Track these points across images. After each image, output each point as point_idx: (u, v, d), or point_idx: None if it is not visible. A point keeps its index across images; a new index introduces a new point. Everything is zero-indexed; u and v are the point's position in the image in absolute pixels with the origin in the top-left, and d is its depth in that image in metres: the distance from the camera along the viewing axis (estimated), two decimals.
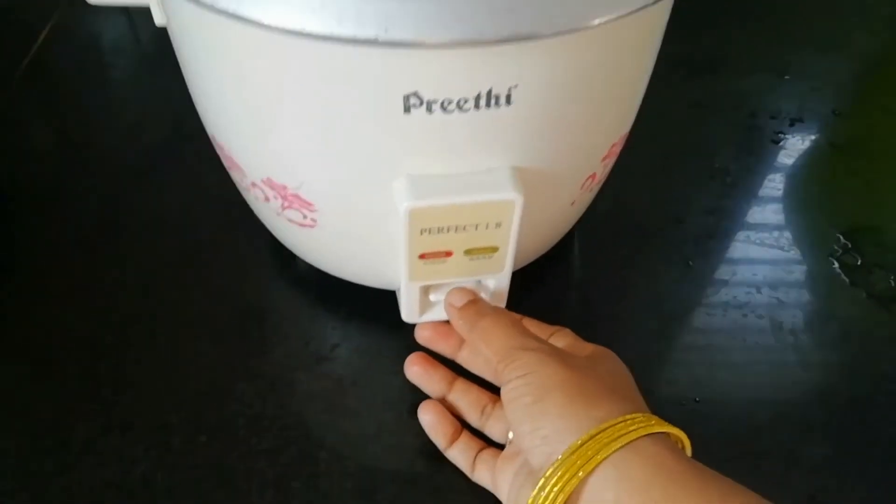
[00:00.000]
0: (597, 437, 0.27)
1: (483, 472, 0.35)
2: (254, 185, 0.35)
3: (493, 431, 0.37)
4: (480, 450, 0.36)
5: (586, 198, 0.38)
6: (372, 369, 0.40)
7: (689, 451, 0.31)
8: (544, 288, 0.43)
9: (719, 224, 0.48)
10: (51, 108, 0.55)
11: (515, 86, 0.27)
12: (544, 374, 0.30)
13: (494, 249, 0.33)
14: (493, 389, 0.38)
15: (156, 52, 0.59)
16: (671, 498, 0.26)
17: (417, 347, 0.39)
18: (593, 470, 0.27)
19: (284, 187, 0.33)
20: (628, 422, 0.28)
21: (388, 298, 0.40)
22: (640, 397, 0.32)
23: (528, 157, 0.31)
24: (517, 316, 0.35)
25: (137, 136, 0.52)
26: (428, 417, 0.37)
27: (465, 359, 0.38)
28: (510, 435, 0.36)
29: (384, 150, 0.29)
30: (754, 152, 0.53)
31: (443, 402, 0.38)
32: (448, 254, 0.33)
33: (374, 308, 0.42)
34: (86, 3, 0.36)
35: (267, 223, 0.40)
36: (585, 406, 0.29)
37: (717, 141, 0.53)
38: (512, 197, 0.30)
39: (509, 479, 0.33)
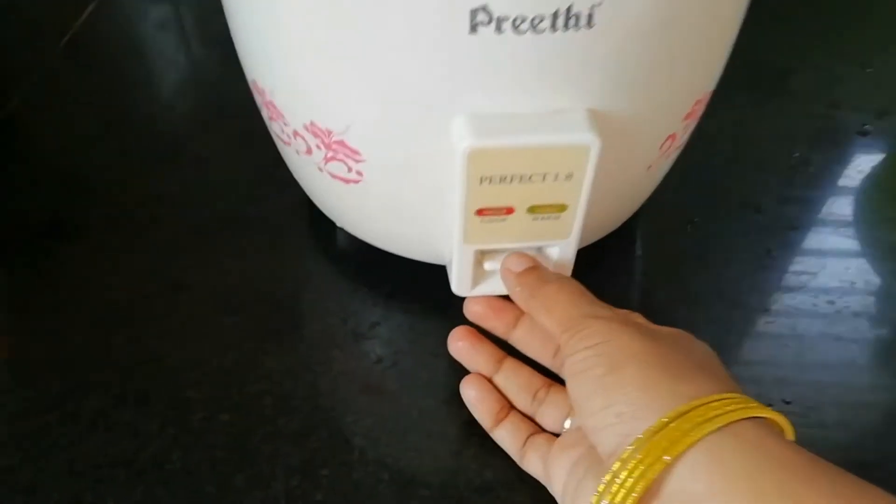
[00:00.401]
0: (686, 415, 0.23)
1: (534, 460, 0.31)
2: (296, 134, 0.31)
3: (546, 419, 0.32)
4: (532, 434, 0.31)
5: (662, 166, 0.34)
6: (414, 350, 0.36)
7: None
8: (605, 275, 0.39)
9: (803, 215, 0.43)
10: (91, 82, 0.53)
11: (599, 4, 0.24)
12: (619, 342, 0.26)
13: (562, 208, 0.29)
14: (548, 375, 0.33)
15: (199, 33, 0.57)
16: (786, 491, 0.21)
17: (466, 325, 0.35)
18: (681, 454, 0.22)
19: (329, 133, 0.30)
20: (725, 401, 0.23)
21: (434, 275, 0.36)
22: (733, 379, 0.27)
23: (606, 99, 0.27)
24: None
25: (175, 110, 0.50)
26: (472, 392, 0.33)
27: (519, 339, 0.34)
28: (566, 423, 0.31)
29: (443, 81, 0.26)
30: (838, 143, 0.48)
31: (497, 391, 0.33)
32: (509, 210, 0.29)
33: (420, 285, 0.38)
34: None
35: (307, 186, 0.37)
36: (671, 380, 0.25)
37: (797, 130, 0.49)
38: (588, 140, 0.26)
39: (566, 471, 0.29)
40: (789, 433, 0.25)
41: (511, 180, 0.27)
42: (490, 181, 0.27)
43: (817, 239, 0.42)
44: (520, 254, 0.31)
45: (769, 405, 0.34)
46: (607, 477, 0.23)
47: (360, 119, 0.28)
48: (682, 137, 0.33)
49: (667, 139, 0.31)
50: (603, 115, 0.27)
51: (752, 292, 0.39)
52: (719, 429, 0.23)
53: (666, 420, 0.23)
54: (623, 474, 0.23)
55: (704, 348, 0.28)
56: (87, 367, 0.35)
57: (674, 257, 0.41)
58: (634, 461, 0.23)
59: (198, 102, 0.50)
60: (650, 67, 0.27)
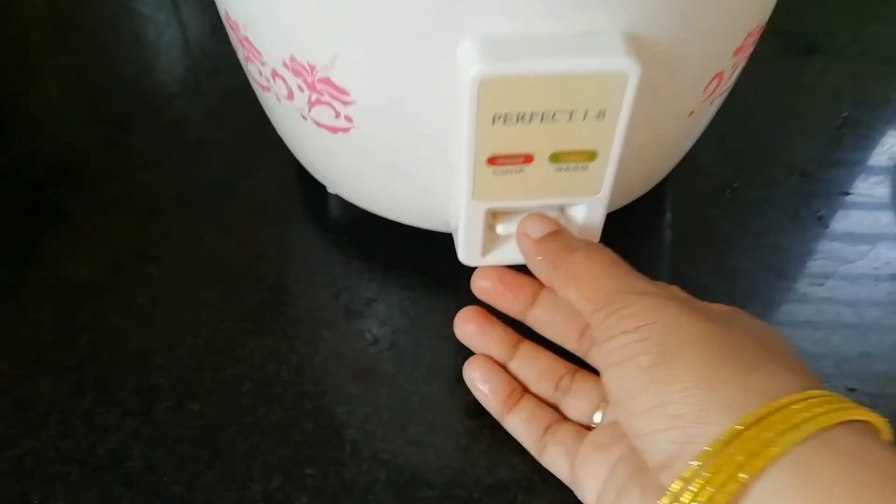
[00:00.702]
0: (766, 420, 0.18)
1: (556, 456, 0.26)
2: (275, 74, 0.27)
3: (572, 411, 0.28)
4: (553, 423, 0.27)
5: (704, 114, 0.29)
6: (415, 330, 0.31)
7: None
8: (630, 247, 0.34)
9: (855, 178, 0.38)
10: (65, 44, 0.48)
11: None
12: (669, 323, 0.21)
13: (591, 156, 0.24)
14: (573, 359, 0.29)
15: None
16: None
17: (475, 304, 0.30)
18: (762, 471, 0.18)
19: (312, 69, 0.25)
20: (812, 400, 0.19)
21: (439, 244, 0.31)
22: (806, 369, 0.22)
23: (648, 19, 0.22)
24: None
25: (153, 72, 0.45)
26: (476, 374, 0.28)
27: (538, 319, 0.29)
28: (596, 416, 0.27)
29: None
30: (890, 102, 0.43)
31: (506, 373, 0.29)
32: (527, 159, 0.24)
33: (422, 256, 0.33)
34: None
35: (292, 141, 0.32)
36: (739, 372, 0.20)
37: (844, 89, 0.43)
38: (625, 67, 0.21)
39: (600, 477, 0.24)
40: (886, 435, 0.20)
41: (530, 119, 0.23)
42: (504, 120, 0.22)
43: (873, 204, 0.37)
44: (540, 215, 0.26)
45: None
46: (665, 501, 0.18)
47: (346, 48, 0.23)
48: (728, 80, 0.28)
49: (713, 78, 0.26)
50: (642, 39, 0.22)
51: (801, 264, 0.34)
52: (809, 437, 0.18)
53: (740, 427, 0.18)
54: (686, 497, 0.18)
55: (768, 329, 0.23)
56: (41, 349, 0.31)
57: (710, 226, 0.36)
58: (701, 481, 0.18)
59: (177, 64, 0.46)
60: None
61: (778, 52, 0.44)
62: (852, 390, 0.30)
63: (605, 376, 0.22)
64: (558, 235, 0.25)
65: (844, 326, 0.32)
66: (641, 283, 0.23)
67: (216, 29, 0.30)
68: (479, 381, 0.28)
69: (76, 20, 0.49)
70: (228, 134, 0.40)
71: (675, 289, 0.26)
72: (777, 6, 0.27)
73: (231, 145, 0.39)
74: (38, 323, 0.32)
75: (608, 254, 0.24)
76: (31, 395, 0.30)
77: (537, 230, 0.26)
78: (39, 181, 0.37)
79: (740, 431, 0.18)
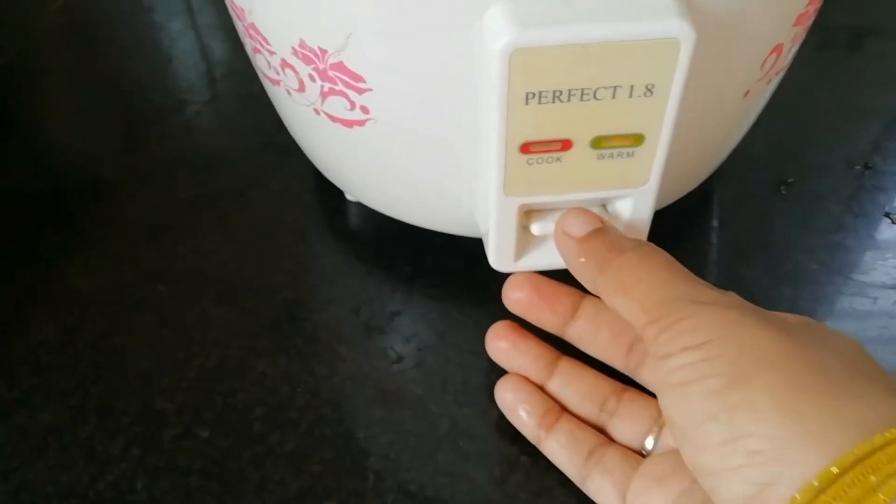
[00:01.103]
0: (869, 459, 0.15)
1: (603, 486, 0.23)
2: (284, 64, 0.24)
3: (619, 434, 0.24)
4: (598, 447, 0.24)
5: (761, 95, 0.26)
6: (444, 346, 0.28)
7: None
8: (675, 251, 0.31)
9: None
10: (78, 49, 0.47)
11: None
12: (739, 339, 0.18)
13: (638, 140, 0.21)
14: (617, 377, 0.26)
15: (201, 3, 0.51)
16: None
17: (507, 318, 0.27)
18: None
19: (323, 53, 0.22)
20: None
21: (467, 250, 0.28)
22: None
23: None
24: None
25: (168, 78, 0.43)
26: (509, 395, 0.25)
27: (579, 334, 0.26)
28: (648, 442, 0.24)
29: None
30: None
31: (542, 392, 0.26)
32: (566, 144, 0.21)
33: (450, 264, 0.30)
34: None
35: (306, 141, 0.30)
36: (830, 399, 0.17)
37: None
38: (677, 31, 0.19)
39: None
40: None
41: (569, 97, 0.20)
42: (539, 99, 0.20)
43: None
44: (582, 210, 0.23)
45: None
46: None
47: (359, 26, 0.21)
48: (788, 54, 0.25)
49: (771, 52, 0.23)
50: (695, 2, 0.19)
51: (871, 265, 0.31)
52: None
53: (835, 470, 0.15)
54: None
55: (854, 345, 0.20)
56: (41, 370, 0.29)
57: (765, 224, 0.32)
58: None
59: (191, 71, 0.44)
60: None
61: (823, 42, 0.41)
62: None
63: (663, 400, 0.19)
64: (603, 233, 0.22)
65: None
66: (704, 290, 0.20)
67: (231, 35, 0.28)
68: (512, 403, 0.25)
69: (90, 29, 0.48)
70: (242, 142, 0.37)
71: (736, 296, 0.22)
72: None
73: (245, 153, 0.37)
74: (39, 342, 0.30)
75: (663, 256, 0.21)
76: (29, 422, 0.27)
77: (579, 227, 0.23)
78: (47, 192, 0.36)
79: (837, 475, 0.15)
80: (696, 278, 0.21)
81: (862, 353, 0.19)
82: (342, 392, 0.28)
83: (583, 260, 0.22)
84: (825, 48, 0.41)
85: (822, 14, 0.26)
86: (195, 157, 0.37)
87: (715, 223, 0.33)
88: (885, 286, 0.30)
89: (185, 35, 0.46)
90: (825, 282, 0.30)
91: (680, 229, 0.32)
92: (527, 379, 0.26)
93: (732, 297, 0.20)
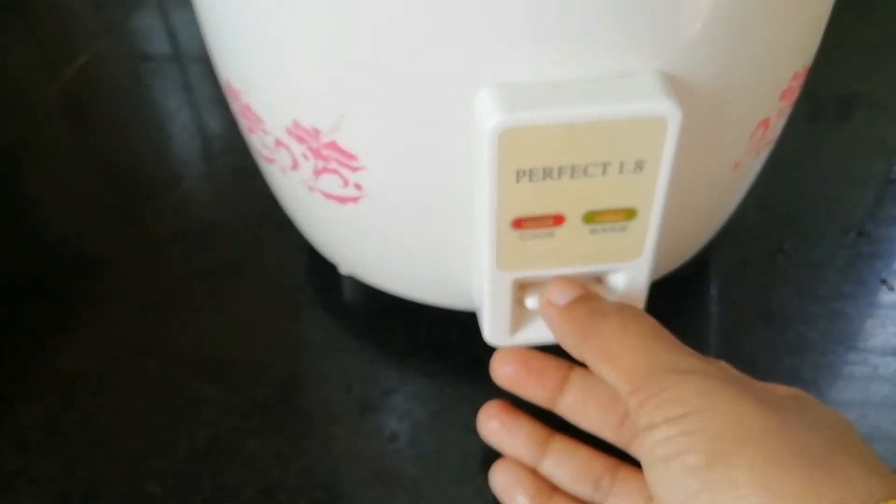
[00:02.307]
0: None
1: None
2: (278, 143, 0.25)
3: None
4: None
5: (750, 167, 0.26)
6: (439, 424, 0.28)
7: None
8: (672, 321, 0.31)
9: None
10: (75, 126, 0.48)
11: None
12: (719, 413, 0.18)
13: (630, 214, 0.21)
14: (615, 452, 0.25)
15: (196, 83, 0.53)
16: None
17: (503, 394, 0.26)
18: None
19: (317, 133, 0.23)
20: None
21: (462, 325, 0.28)
22: (888, 467, 0.18)
23: (687, 59, 0.20)
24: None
25: (162, 153, 0.44)
26: (501, 477, 0.25)
27: (569, 408, 0.25)
28: None
29: (457, 36, 0.19)
30: None
31: (534, 473, 0.25)
32: (558, 220, 0.21)
33: (446, 339, 0.30)
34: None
35: (299, 217, 0.30)
36: (810, 477, 0.16)
37: (892, 140, 0.41)
38: (664, 111, 0.19)
39: None
40: None
41: (559, 174, 0.20)
42: (530, 177, 0.20)
43: None
44: (564, 279, 0.23)
45: None
46: None
47: (352, 107, 0.21)
48: (775, 128, 0.26)
49: (759, 125, 0.24)
50: (681, 81, 0.20)
51: (870, 333, 0.31)
52: None
53: None
54: None
55: (838, 419, 0.20)
56: (27, 452, 0.28)
57: (763, 293, 0.32)
58: None
59: (186, 146, 0.45)
60: (748, 11, 0.20)
61: (814, 111, 0.42)
62: None
63: (647, 474, 0.19)
64: (586, 300, 0.22)
65: None
66: (687, 358, 0.20)
67: (227, 111, 0.29)
68: (502, 487, 0.25)
69: (88, 106, 0.49)
70: (236, 216, 0.38)
71: (724, 365, 0.22)
72: (821, 58, 0.25)
73: (239, 228, 0.37)
74: (25, 424, 0.29)
75: (647, 322, 0.21)
76: None
77: (562, 295, 0.22)
78: (38, 269, 0.35)
79: None
80: (680, 345, 0.21)
81: (847, 429, 0.19)
82: (335, 472, 0.27)
83: (566, 328, 0.22)
84: (815, 117, 0.42)
85: (811, 83, 0.26)
86: (189, 232, 0.37)
87: (713, 292, 0.33)
88: (885, 354, 0.30)
89: (182, 111, 0.47)
90: (826, 351, 0.30)
91: (678, 298, 0.32)
92: (519, 463, 0.25)
93: (716, 365, 0.20)
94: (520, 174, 0.20)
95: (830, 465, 0.17)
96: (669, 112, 0.19)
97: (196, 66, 0.53)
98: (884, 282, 0.32)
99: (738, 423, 0.17)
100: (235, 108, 0.27)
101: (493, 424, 0.26)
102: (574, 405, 0.25)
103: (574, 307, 0.22)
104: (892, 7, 0.53)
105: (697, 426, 0.18)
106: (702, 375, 0.19)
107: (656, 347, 0.20)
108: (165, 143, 0.44)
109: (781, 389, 0.21)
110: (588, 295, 0.22)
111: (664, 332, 0.21)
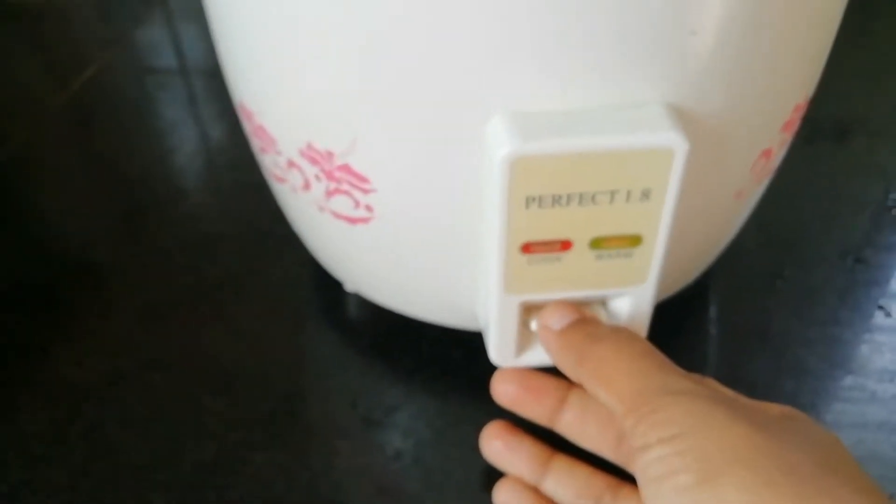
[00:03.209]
0: None
1: None
2: (291, 164, 0.25)
3: None
4: None
5: (752, 195, 0.27)
6: (443, 442, 0.28)
7: None
8: (672, 345, 0.31)
9: None
10: (84, 135, 0.48)
11: None
12: (709, 433, 0.18)
13: (636, 241, 0.22)
14: (616, 472, 0.25)
15: (203, 96, 0.53)
16: None
17: (505, 413, 0.27)
18: None
19: (330, 156, 0.23)
20: None
21: (469, 344, 0.28)
22: (878, 488, 0.19)
23: (693, 91, 0.20)
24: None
25: (169, 166, 0.44)
26: (504, 497, 0.25)
27: (569, 427, 0.26)
28: None
29: (472, 66, 0.19)
30: None
31: (537, 493, 0.25)
32: (565, 245, 0.22)
33: (450, 358, 0.31)
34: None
35: (308, 236, 0.30)
36: (799, 496, 0.17)
37: (890, 166, 0.41)
38: (672, 142, 0.19)
39: None
40: None
41: (567, 202, 0.20)
42: (539, 203, 0.20)
43: None
44: (561, 303, 0.23)
45: None
46: None
47: (366, 132, 0.22)
48: (776, 158, 0.26)
49: (760, 156, 0.24)
50: (687, 112, 0.20)
51: (867, 358, 0.31)
52: None
53: None
54: None
55: (828, 438, 0.20)
56: (32, 462, 0.28)
57: (763, 318, 0.33)
58: None
59: (193, 159, 0.45)
60: (753, 46, 0.20)
61: (813, 137, 0.43)
62: None
63: (642, 493, 0.19)
64: (582, 325, 0.23)
65: None
66: (679, 379, 0.20)
67: (233, 125, 0.29)
68: None
69: (94, 118, 0.49)
70: (242, 230, 0.38)
71: (714, 384, 0.23)
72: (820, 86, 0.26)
73: (245, 242, 0.37)
74: (31, 433, 0.29)
75: (640, 344, 0.22)
76: None
77: (558, 320, 0.23)
78: (45, 280, 0.36)
79: None
80: (673, 366, 0.21)
81: (838, 448, 0.20)
82: (339, 488, 0.27)
83: (562, 352, 0.23)
84: (814, 143, 0.42)
85: (810, 108, 0.27)
86: (195, 245, 0.37)
87: (713, 315, 0.34)
88: (882, 379, 0.30)
89: (187, 124, 0.48)
90: (825, 375, 0.30)
91: (679, 321, 0.32)
92: (522, 482, 0.25)
93: (707, 386, 0.21)
94: (529, 200, 0.20)
95: (819, 484, 0.17)
96: (676, 143, 0.19)
97: (201, 80, 0.54)
98: (881, 308, 0.33)
99: (728, 443, 0.18)
100: (248, 128, 0.27)
101: (496, 444, 0.26)
102: (573, 423, 0.26)
103: (570, 332, 0.23)
104: (891, 34, 0.54)
105: (689, 446, 0.18)
106: (692, 396, 0.19)
107: (649, 369, 0.21)
108: (171, 155, 0.45)
109: (774, 408, 0.22)
110: (584, 319, 0.23)
111: (657, 353, 0.22)
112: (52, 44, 0.57)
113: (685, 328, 0.33)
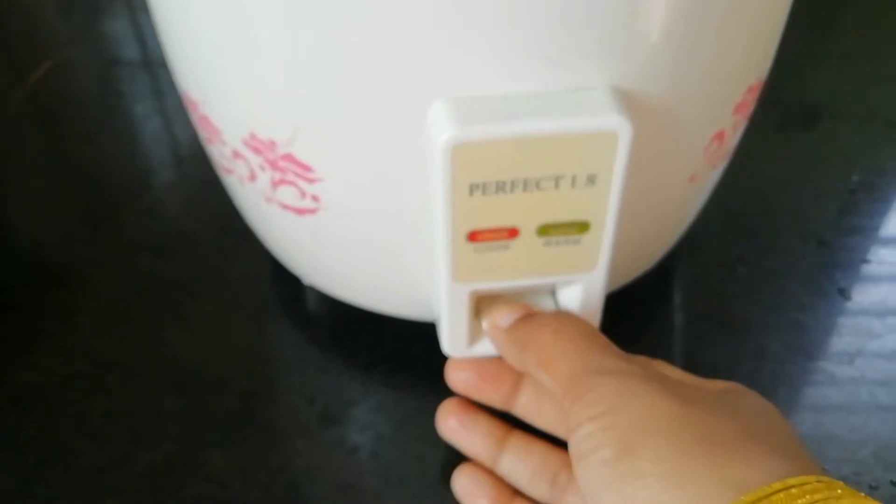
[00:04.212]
0: None
1: None
2: (236, 154, 0.25)
3: None
4: None
5: (707, 179, 0.27)
6: (402, 436, 0.28)
7: None
8: (634, 331, 0.31)
9: (875, 245, 0.35)
10: (44, 130, 0.47)
11: None
12: (634, 409, 0.19)
13: (583, 227, 0.21)
14: None
15: (168, 87, 0.52)
16: None
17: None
18: None
19: (273, 145, 0.23)
20: (794, 490, 0.16)
21: (425, 337, 0.28)
22: (805, 450, 0.20)
23: (638, 73, 0.20)
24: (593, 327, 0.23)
25: (129, 162, 0.43)
26: (464, 482, 0.25)
27: (525, 409, 0.26)
28: None
29: (411, 51, 0.19)
30: None
31: (496, 478, 0.25)
32: (512, 233, 0.21)
33: (407, 351, 0.30)
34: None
35: (258, 227, 0.29)
36: (714, 463, 0.17)
37: (853, 153, 0.41)
38: (614, 125, 0.19)
39: None
40: None
41: (513, 188, 0.20)
42: (484, 190, 0.20)
43: None
44: (510, 303, 0.24)
45: (873, 487, 0.26)
46: None
47: (307, 120, 0.21)
48: (730, 141, 0.26)
49: (713, 139, 0.24)
50: (633, 95, 0.20)
51: (826, 341, 0.31)
52: None
53: None
54: None
55: (764, 408, 0.21)
56: None
57: (724, 303, 0.33)
58: None
59: (153, 154, 0.44)
60: (699, 27, 0.20)
61: (777, 121, 0.43)
62: None
63: (574, 469, 0.19)
64: (528, 318, 0.23)
65: (880, 409, 0.29)
66: (613, 360, 0.21)
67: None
68: (463, 490, 0.25)
69: (55, 113, 0.48)
70: (201, 227, 0.37)
71: (660, 365, 0.24)
72: (772, 78, 0.25)
73: (204, 238, 0.37)
74: None
75: (580, 327, 0.22)
76: None
77: (506, 318, 0.23)
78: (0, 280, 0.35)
79: None
80: (611, 347, 0.22)
81: (772, 418, 0.20)
82: (297, 486, 0.27)
83: (508, 345, 0.23)
84: (779, 128, 0.42)
85: (775, 93, 0.27)
86: (154, 242, 0.36)
87: (675, 301, 0.33)
88: (841, 363, 0.30)
89: (152, 118, 0.47)
90: (785, 360, 0.30)
91: (640, 307, 0.32)
92: (480, 467, 0.25)
93: (647, 365, 0.22)
94: (473, 188, 0.20)
95: (736, 449, 0.18)
96: (620, 126, 0.19)
97: (166, 72, 0.53)
98: (841, 291, 0.33)
99: (648, 418, 0.18)
100: (194, 118, 0.27)
101: (452, 422, 0.26)
102: (529, 406, 0.26)
103: (517, 326, 0.23)
104: (858, 20, 0.55)
105: (612, 421, 0.19)
106: (623, 375, 0.20)
107: (588, 350, 0.21)
108: (132, 151, 0.44)
109: (717, 384, 0.22)
110: (531, 314, 0.23)
111: (597, 334, 0.22)
112: (11, 37, 0.56)
113: (646, 315, 0.32)
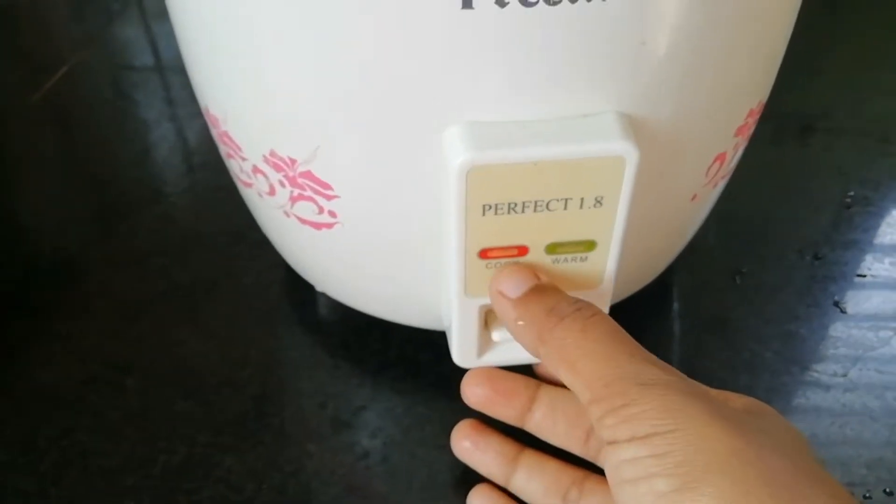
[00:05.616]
0: None
1: None
2: (255, 170, 0.25)
3: None
4: None
5: (707, 198, 0.28)
6: (411, 441, 0.29)
7: None
8: (638, 336, 0.32)
9: (870, 259, 0.36)
10: (58, 135, 0.48)
11: None
12: (692, 435, 0.18)
13: (590, 246, 0.22)
14: (583, 465, 0.26)
15: (180, 92, 0.53)
16: None
17: (473, 412, 0.27)
18: None
19: (292, 163, 0.23)
20: None
21: (434, 344, 0.29)
22: (845, 490, 0.19)
23: (644, 100, 0.21)
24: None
25: (144, 167, 0.44)
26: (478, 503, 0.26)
27: (538, 425, 0.26)
28: None
29: (429, 78, 0.20)
30: None
31: (509, 498, 0.26)
32: (522, 251, 0.22)
33: (417, 358, 0.31)
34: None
35: (276, 238, 0.30)
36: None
37: (848, 167, 0.42)
38: (623, 150, 0.20)
39: None
40: None
41: (523, 209, 0.21)
42: (496, 211, 0.21)
43: (891, 285, 0.35)
44: (516, 267, 0.22)
45: (867, 497, 0.27)
46: None
47: (327, 140, 0.22)
48: (731, 162, 0.27)
49: (714, 160, 0.25)
50: (639, 121, 0.21)
51: (821, 353, 0.32)
52: None
53: None
54: None
55: (797, 437, 0.20)
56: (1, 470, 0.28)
57: (721, 315, 0.33)
58: None
59: (168, 161, 0.45)
60: (703, 55, 0.21)
61: (773, 135, 0.44)
62: (890, 494, 0.27)
63: (615, 493, 0.19)
64: (541, 293, 0.22)
65: (873, 420, 0.30)
66: (650, 368, 0.19)
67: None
68: None
69: (69, 118, 0.49)
70: (215, 232, 0.38)
71: (680, 376, 0.23)
72: (779, 83, 0.26)
73: (217, 244, 0.37)
74: (4, 441, 0.29)
75: (608, 326, 0.20)
76: None
77: (514, 287, 0.22)
78: (15, 281, 0.36)
79: None
80: (642, 351, 0.20)
81: (806, 449, 0.20)
82: (308, 489, 0.28)
83: (521, 323, 0.22)
84: (775, 141, 0.43)
85: (772, 107, 0.28)
86: (168, 247, 0.37)
87: (674, 313, 0.34)
88: (836, 374, 0.31)
89: (164, 123, 0.47)
90: (781, 371, 0.31)
91: (639, 316, 0.33)
92: (495, 488, 0.26)
93: (676, 376, 0.20)
94: (486, 208, 0.21)
95: (795, 491, 0.17)
96: (627, 152, 0.20)
97: (178, 78, 0.53)
98: (836, 304, 0.34)
99: (704, 447, 0.17)
100: (215, 133, 0.27)
101: (466, 444, 0.27)
102: (542, 422, 0.26)
103: (529, 302, 0.21)
104: (854, 34, 0.56)
105: (665, 449, 0.17)
106: (664, 388, 0.18)
107: (617, 354, 0.20)
108: (146, 156, 0.45)
109: (737, 400, 0.22)
110: (542, 286, 0.22)
111: (625, 335, 0.20)
112: (26, 42, 0.56)
113: (645, 324, 0.33)
